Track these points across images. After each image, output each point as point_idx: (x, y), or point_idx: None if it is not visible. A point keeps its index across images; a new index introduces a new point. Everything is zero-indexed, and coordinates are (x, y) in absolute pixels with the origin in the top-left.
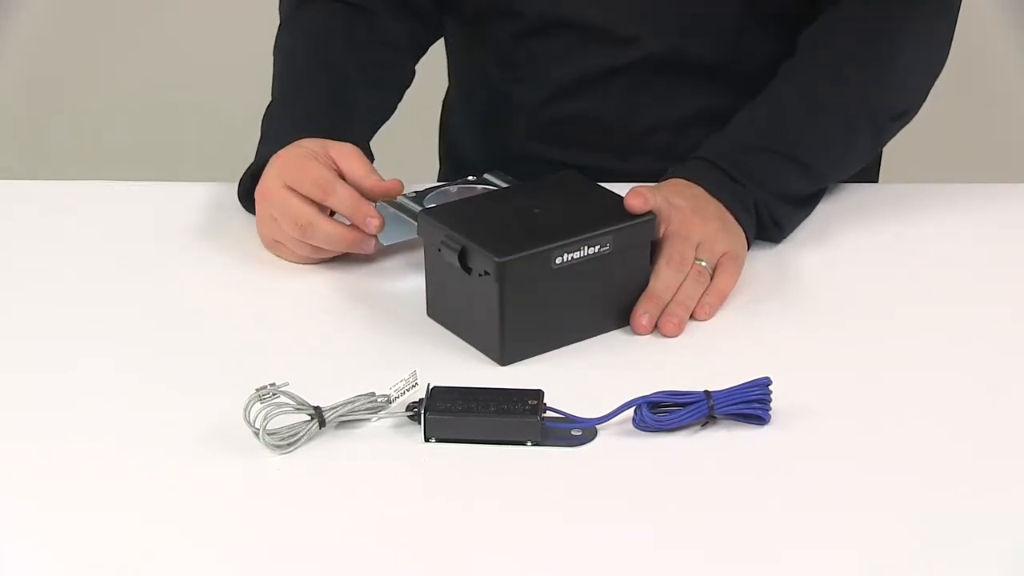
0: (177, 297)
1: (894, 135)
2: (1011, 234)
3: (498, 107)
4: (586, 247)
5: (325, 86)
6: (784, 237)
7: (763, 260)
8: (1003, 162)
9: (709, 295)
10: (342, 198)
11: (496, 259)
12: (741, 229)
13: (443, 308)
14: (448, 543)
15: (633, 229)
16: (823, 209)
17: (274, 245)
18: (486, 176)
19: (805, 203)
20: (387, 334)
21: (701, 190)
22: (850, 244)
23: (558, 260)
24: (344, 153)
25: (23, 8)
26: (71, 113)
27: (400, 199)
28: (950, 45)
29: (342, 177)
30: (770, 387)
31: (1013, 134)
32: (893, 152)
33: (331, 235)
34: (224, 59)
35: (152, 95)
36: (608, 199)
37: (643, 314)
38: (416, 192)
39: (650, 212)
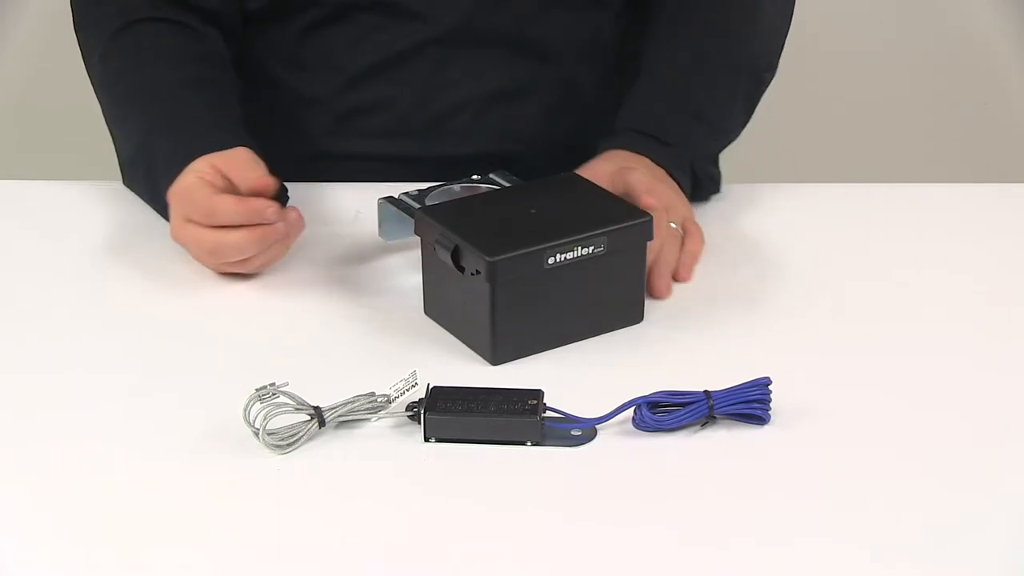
0: (177, 297)
1: (765, 90)
2: (1011, 234)
3: (284, 109)
4: (580, 248)
5: (204, 102)
6: (718, 190)
7: (763, 259)
8: (1003, 162)
9: (685, 258)
10: (226, 211)
11: (487, 258)
12: (683, 192)
13: (439, 306)
14: (448, 543)
15: (628, 230)
16: (822, 209)
17: (226, 270)
18: (491, 176)
19: (716, 163)
20: (387, 334)
21: (647, 159)
22: (850, 244)
23: (551, 260)
24: (230, 162)
25: (23, 8)
26: (71, 113)
27: (402, 197)
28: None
29: (235, 189)
30: (770, 387)
31: (1013, 134)
32: (893, 152)
33: (240, 244)
34: None
35: None
36: (606, 200)
37: (659, 277)
38: (419, 190)
39: (646, 214)
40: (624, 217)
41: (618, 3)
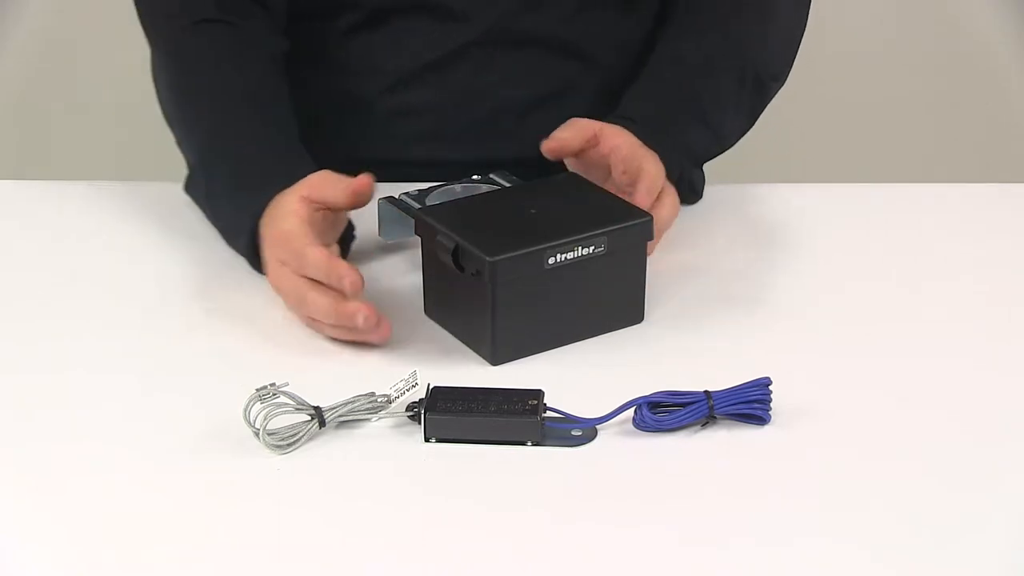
0: (176, 297)
1: (770, 100)
2: (1011, 234)
3: (321, 113)
4: (580, 248)
5: (271, 122)
6: (700, 197)
7: (763, 259)
8: (1003, 162)
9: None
10: (314, 265)
11: (488, 258)
12: None
13: (439, 306)
14: (448, 543)
15: (628, 230)
16: (822, 209)
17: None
18: (491, 176)
19: (702, 167)
20: None
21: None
22: (850, 244)
23: (551, 260)
24: (314, 186)
25: (23, 8)
26: (71, 113)
27: (402, 197)
28: (808, 11)
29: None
30: (770, 387)
31: (1013, 134)
32: (893, 152)
33: (321, 307)
34: None
35: (152, 95)
36: (606, 200)
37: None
38: (419, 190)
39: (646, 214)
40: (624, 217)
41: (655, 4)
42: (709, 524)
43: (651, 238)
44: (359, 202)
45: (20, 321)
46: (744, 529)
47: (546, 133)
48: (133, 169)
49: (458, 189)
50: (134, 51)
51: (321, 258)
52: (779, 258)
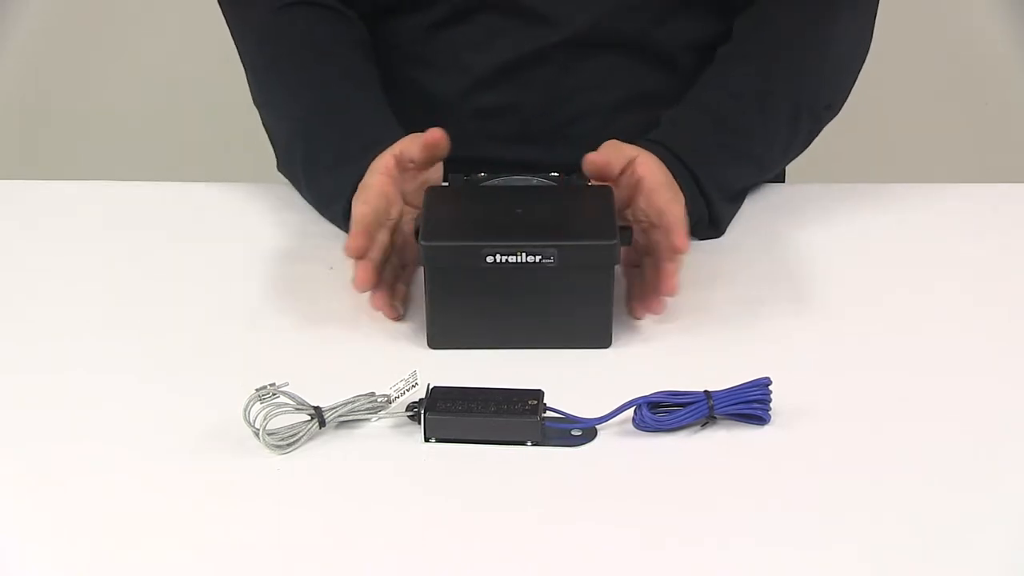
0: (176, 297)
1: (823, 127)
2: (1009, 234)
3: (404, 109)
4: (524, 254)
5: (372, 97)
6: (720, 235)
7: (763, 259)
8: (1003, 162)
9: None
10: (348, 244)
11: (423, 242)
12: None
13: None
14: (448, 543)
15: (584, 250)
16: (823, 209)
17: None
18: (553, 175)
19: (741, 197)
20: (387, 333)
21: (677, 186)
22: (851, 244)
23: (489, 259)
24: (401, 145)
25: (23, 8)
26: (71, 113)
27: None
28: (871, 39)
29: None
30: (770, 387)
31: (1013, 134)
32: (892, 152)
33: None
34: (226, 59)
35: (152, 95)
36: (600, 218)
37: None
38: (481, 175)
39: (614, 238)
40: (588, 236)
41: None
42: (709, 524)
43: (616, 262)
44: (434, 154)
45: (20, 321)
46: (744, 529)
47: (631, 138)
48: (133, 169)
49: (535, 182)
50: (134, 51)
51: (351, 240)
52: (778, 258)
